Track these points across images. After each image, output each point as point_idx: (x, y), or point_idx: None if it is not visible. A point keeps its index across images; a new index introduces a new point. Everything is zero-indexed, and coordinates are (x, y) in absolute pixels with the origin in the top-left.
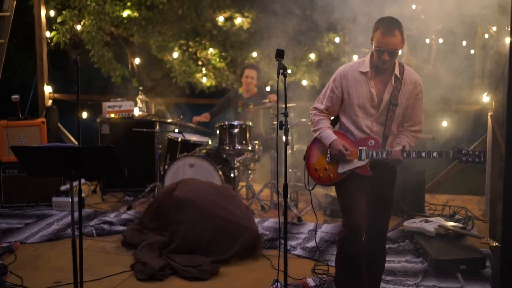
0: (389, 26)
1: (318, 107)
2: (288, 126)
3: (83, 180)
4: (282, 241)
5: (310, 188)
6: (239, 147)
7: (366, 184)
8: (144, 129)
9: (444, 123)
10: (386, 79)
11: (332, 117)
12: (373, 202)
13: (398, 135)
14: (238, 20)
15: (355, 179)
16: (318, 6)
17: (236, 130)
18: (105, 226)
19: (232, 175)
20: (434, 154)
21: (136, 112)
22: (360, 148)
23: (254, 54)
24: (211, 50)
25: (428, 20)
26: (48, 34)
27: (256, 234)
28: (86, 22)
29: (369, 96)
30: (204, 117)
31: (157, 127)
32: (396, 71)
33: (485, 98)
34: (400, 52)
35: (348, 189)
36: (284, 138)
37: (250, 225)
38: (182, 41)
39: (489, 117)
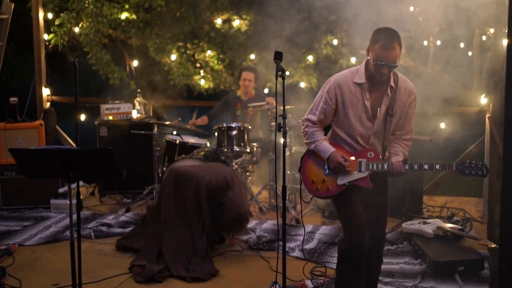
0: (388, 39)
1: (310, 119)
2: (286, 128)
3: (81, 183)
4: (281, 243)
5: (307, 201)
6: (237, 149)
7: (362, 194)
8: (142, 131)
9: (442, 125)
10: (382, 90)
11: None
12: (369, 211)
13: (390, 144)
14: (236, 23)
15: (353, 190)
16: (316, 8)
17: (234, 132)
18: (104, 228)
19: None
20: (437, 166)
21: (134, 114)
22: (360, 160)
23: (252, 56)
24: (209, 52)
25: (426, 22)
26: (46, 36)
27: (245, 210)
28: (84, 25)
29: (364, 108)
30: (202, 120)
31: (155, 129)
32: (392, 82)
33: (483, 99)
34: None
35: (347, 201)
36: (282, 140)
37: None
38: (180, 43)
39: (487, 119)
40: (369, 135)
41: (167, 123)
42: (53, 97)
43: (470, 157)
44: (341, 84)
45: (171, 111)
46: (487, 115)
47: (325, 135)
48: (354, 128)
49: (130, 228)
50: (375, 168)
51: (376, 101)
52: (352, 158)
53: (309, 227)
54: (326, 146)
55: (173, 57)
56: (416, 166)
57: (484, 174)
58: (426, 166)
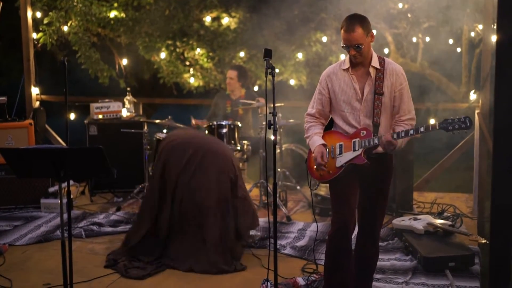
0: (350, 23)
1: (310, 113)
2: (277, 126)
3: (71, 182)
4: (272, 241)
5: (314, 188)
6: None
7: (359, 181)
8: (132, 130)
9: (432, 121)
10: (366, 72)
11: (326, 122)
12: (367, 198)
13: (393, 128)
14: (225, 20)
15: (349, 177)
16: (305, 5)
17: (224, 130)
18: (94, 228)
19: None
20: (422, 129)
21: (124, 113)
22: (354, 140)
23: (242, 54)
24: (198, 50)
25: (415, 19)
26: (34, 35)
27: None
28: (73, 23)
29: (353, 90)
30: (202, 123)
31: (145, 127)
32: (375, 64)
33: (472, 96)
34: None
35: (339, 187)
36: (272, 137)
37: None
38: (170, 42)
39: (476, 115)
40: (359, 116)
41: (157, 121)
42: (43, 96)
43: (459, 153)
44: (330, 73)
45: (161, 109)
46: (477, 111)
47: (330, 127)
48: (345, 112)
49: (121, 227)
50: (367, 144)
51: (362, 83)
52: (349, 141)
53: (300, 224)
54: (314, 141)
55: (163, 55)
56: (402, 134)
57: (468, 126)
58: (412, 131)
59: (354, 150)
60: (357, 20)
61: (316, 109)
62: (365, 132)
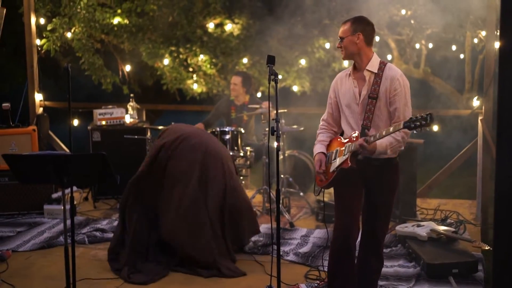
0: (348, 19)
1: (323, 118)
2: (280, 132)
3: (74, 188)
4: (275, 247)
5: (316, 194)
6: (231, 153)
7: (364, 188)
8: (136, 136)
9: (435, 128)
10: (363, 76)
11: (339, 130)
12: (371, 208)
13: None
14: (229, 27)
15: (354, 184)
16: (308, 11)
17: (227, 136)
18: (97, 234)
19: None
20: (391, 129)
21: (128, 119)
22: (346, 144)
23: (245, 60)
24: (201, 56)
25: (418, 25)
26: (38, 42)
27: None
28: (76, 30)
29: (352, 94)
30: (198, 127)
31: (149, 134)
32: (370, 68)
33: (475, 102)
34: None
35: (343, 194)
36: (275, 144)
37: None
38: (173, 48)
39: (479, 121)
40: (357, 119)
41: (160, 127)
42: (46, 103)
43: (463, 159)
44: (337, 79)
45: (164, 115)
46: (480, 118)
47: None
48: (347, 115)
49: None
50: (352, 148)
51: (361, 87)
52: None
53: (303, 231)
54: (316, 148)
55: (166, 61)
56: (372, 138)
57: (428, 122)
58: (384, 132)
59: (344, 154)
60: (353, 18)
61: (327, 114)
62: (355, 136)
